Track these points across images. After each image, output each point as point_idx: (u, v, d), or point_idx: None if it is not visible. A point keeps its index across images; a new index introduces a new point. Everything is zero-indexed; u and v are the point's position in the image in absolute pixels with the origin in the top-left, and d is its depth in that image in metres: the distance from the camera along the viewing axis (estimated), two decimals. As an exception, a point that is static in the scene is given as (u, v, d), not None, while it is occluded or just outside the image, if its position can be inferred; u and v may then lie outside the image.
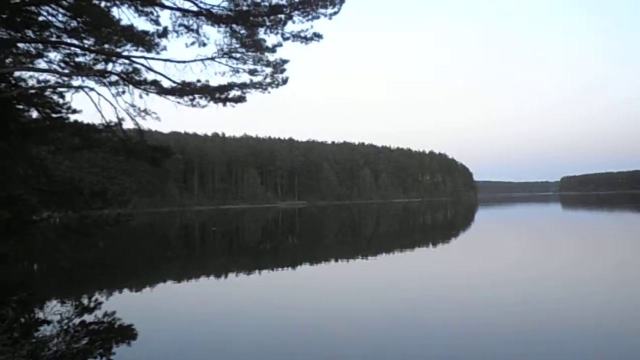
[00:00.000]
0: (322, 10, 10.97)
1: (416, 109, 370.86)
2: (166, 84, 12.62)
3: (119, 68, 12.85)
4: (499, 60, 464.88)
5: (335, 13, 11.05)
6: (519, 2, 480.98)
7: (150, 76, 12.74)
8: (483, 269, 15.75)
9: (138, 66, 12.62)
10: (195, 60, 11.95)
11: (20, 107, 13.06)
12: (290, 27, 11.37)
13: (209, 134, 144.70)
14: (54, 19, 11.87)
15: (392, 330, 8.79)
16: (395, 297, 11.77)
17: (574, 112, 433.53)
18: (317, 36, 11.43)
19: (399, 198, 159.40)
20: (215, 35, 11.72)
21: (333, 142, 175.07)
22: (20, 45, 12.36)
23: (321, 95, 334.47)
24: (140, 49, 12.23)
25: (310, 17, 11.11)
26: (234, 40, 11.64)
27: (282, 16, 11.12)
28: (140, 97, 12.94)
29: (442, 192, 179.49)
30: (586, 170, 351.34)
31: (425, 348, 7.77)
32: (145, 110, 13.18)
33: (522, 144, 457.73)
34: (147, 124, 13.90)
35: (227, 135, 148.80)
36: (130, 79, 12.80)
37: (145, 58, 12.31)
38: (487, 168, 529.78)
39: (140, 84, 12.80)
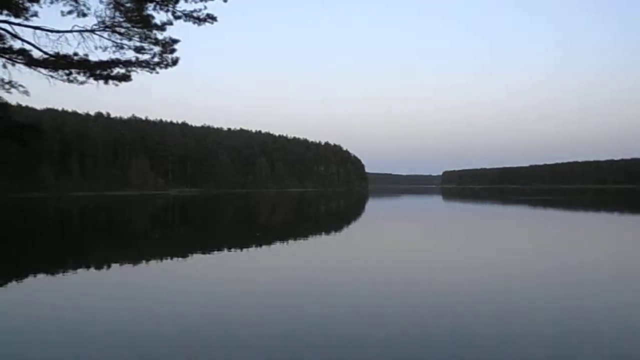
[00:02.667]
0: (217, -8, 10.61)
1: (314, 99, 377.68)
2: (37, 54, 11.30)
3: (-24, 32, 11.18)
4: (386, 55, 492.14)
5: (230, -5, 10.74)
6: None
7: (17, 44, 11.31)
8: (370, 255, 16.61)
9: (2, 32, 11.11)
10: (72, 31, 10.88)
11: None
12: (182, 6, 10.87)
13: (92, 113, 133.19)
14: None
15: (278, 318, 8.87)
16: (282, 283, 11.91)
17: (455, 111, 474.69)
18: (211, 18, 11.04)
19: (295, 187, 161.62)
20: (97, 6, 10.75)
21: (229, 129, 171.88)
22: None
23: (218, 80, 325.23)
24: (5, 12, 10.75)
25: (204, -4, 10.69)
26: (117, 14, 10.77)
27: (174, -7, 10.55)
28: (4, 67, 11.47)
29: (336, 183, 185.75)
30: (464, 165, 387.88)
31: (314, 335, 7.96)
32: (10, 83, 11.71)
33: (409, 140, 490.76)
34: (14, 98, 12.35)
35: (112, 115, 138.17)
36: (-8, 45, 11.23)
37: (11, 23, 10.91)
38: (378, 161, 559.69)
39: (4, 52, 11.30)
